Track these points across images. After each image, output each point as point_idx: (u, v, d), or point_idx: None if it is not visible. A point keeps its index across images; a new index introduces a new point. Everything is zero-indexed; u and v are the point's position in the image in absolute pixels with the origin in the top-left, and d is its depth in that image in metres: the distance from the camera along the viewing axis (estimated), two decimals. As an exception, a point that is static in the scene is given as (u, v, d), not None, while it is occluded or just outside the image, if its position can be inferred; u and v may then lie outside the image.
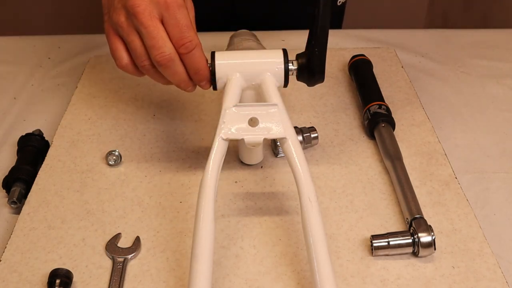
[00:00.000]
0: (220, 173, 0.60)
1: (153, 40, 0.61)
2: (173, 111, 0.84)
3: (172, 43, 0.62)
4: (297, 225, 0.66)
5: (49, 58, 1.00)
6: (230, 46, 0.76)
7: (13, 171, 0.74)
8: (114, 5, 0.63)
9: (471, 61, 0.98)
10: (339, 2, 1.08)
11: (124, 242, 0.65)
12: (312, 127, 0.77)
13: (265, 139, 0.62)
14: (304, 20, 1.02)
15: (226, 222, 0.67)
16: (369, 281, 0.60)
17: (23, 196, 0.71)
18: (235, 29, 0.80)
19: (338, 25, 1.15)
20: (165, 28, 0.61)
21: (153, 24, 0.60)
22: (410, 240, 0.62)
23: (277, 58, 0.66)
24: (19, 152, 0.78)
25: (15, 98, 0.91)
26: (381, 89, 0.84)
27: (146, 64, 0.63)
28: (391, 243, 0.62)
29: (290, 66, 0.66)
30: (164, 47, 0.61)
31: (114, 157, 0.75)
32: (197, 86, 0.67)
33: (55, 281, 0.59)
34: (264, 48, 0.75)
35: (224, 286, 0.60)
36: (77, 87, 0.90)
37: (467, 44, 1.03)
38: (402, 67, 0.94)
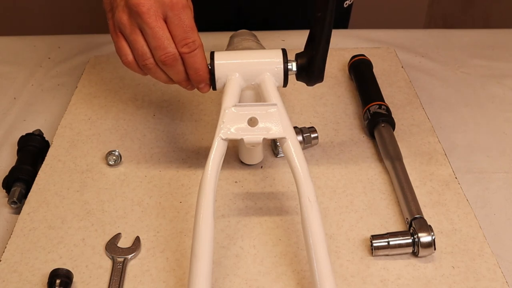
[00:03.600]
0: (220, 173, 0.60)
1: (159, 40, 0.61)
2: (173, 111, 0.84)
3: (175, 43, 0.62)
4: (297, 225, 0.66)
5: (49, 58, 1.00)
6: (230, 46, 0.76)
7: (13, 171, 0.74)
8: (116, 2, 0.63)
9: (471, 61, 0.98)
10: (346, 4, 1.08)
11: (124, 242, 0.65)
12: (312, 127, 0.77)
13: (264, 139, 0.62)
14: (304, 20, 1.03)
15: (226, 222, 0.67)
16: (369, 281, 0.60)
17: (23, 196, 0.71)
18: (235, 29, 0.80)
19: (344, 26, 1.15)
20: (168, 28, 0.62)
21: (158, 24, 0.61)
22: (410, 240, 0.62)
23: (277, 58, 0.66)
24: (19, 152, 0.78)
25: (15, 98, 0.91)
26: (381, 89, 0.84)
27: (148, 63, 0.63)
28: (391, 243, 0.62)
29: (290, 66, 0.66)
30: (169, 47, 0.62)
31: (114, 157, 0.75)
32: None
33: (55, 281, 0.59)
34: (264, 48, 0.75)
35: (224, 286, 0.60)
36: (77, 87, 0.90)
37: (467, 44, 1.03)
38: (402, 67, 0.94)
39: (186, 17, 0.61)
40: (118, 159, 0.75)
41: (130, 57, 0.64)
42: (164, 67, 0.64)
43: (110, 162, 0.75)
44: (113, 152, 0.75)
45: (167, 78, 0.66)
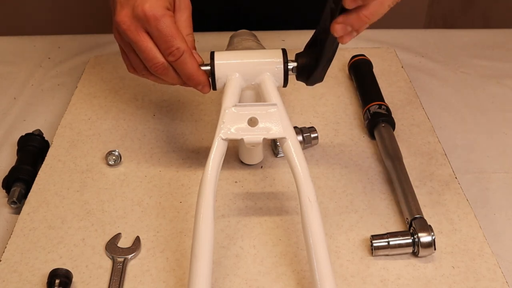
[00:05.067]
0: (220, 173, 0.60)
1: (144, 53, 0.63)
2: (173, 111, 0.84)
3: (161, 53, 0.63)
4: (297, 225, 0.66)
5: (49, 58, 1.00)
6: (230, 46, 0.76)
7: (13, 171, 0.74)
8: (113, 20, 0.65)
9: (471, 61, 0.98)
10: None
11: (124, 242, 0.65)
12: (312, 127, 0.77)
13: (265, 139, 0.62)
14: (304, 21, 1.02)
15: (226, 222, 0.67)
16: (369, 281, 0.60)
17: (23, 196, 0.71)
18: (235, 29, 0.80)
19: None
20: (152, 39, 0.63)
21: (140, 38, 0.62)
22: (410, 240, 0.62)
23: (277, 58, 0.66)
24: (19, 152, 0.78)
25: (15, 98, 0.91)
26: (381, 89, 0.84)
27: (145, 73, 0.66)
28: (391, 243, 0.62)
29: (290, 66, 0.66)
30: (156, 58, 0.63)
31: (114, 157, 0.75)
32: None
33: (55, 281, 0.59)
34: (264, 48, 0.75)
35: (224, 286, 0.60)
36: (77, 87, 0.90)
37: (467, 44, 1.03)
38: (402, 67, 0.94)
39: (164, 26, 0.62)
40: (118, 159, 0.75)
41: (131, 67, 0.67)
42: (157, 75, 0.65)
43: (110, 162, 0.74)
44: (113, 152, 0.75)
45: (169, 82, 0.67)
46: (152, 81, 0.68)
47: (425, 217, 0.64)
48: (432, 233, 0.62)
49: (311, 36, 0.65)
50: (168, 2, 0.63)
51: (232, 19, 1.05)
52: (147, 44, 0.62)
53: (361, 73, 0.88)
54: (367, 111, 0.79)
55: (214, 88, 0.66)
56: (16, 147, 0.79)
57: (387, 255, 0.63)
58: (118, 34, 0.64)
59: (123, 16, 0.62)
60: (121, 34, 0.63)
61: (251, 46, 0.74)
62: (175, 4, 0.65)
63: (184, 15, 0.66)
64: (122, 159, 0.75)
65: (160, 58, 0.63)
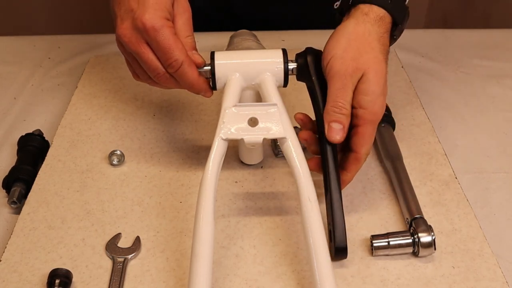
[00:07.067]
0: (220, 173, 0.60)
1: (146, 64, 0.64)
2: (173, 111, 0.84)
3: (161, 64, 0.64)
4: (297, 225, 0.66)
5: (49, 58, 1.00)
6: (230, 46, 0.76)
7: (13, 171, 0.74)
8: (115, 33, 0.66)
9: (471, 61, 0.98)
10: (336, 5, 1.08)
11: (124, 242, 0.65)
12: (312, 127, 0.77)
13: (265, 139, 0.62)
14: (304, 21, 1.02)
15: (226, 222, 0.67)
16: (369, 281, 0.60)
17: (23, 196, 0.71)
18: (235, 29, 0.80)
19: None
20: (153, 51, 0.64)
21: (141, 50, 0.63)
22: (410, 240, 0.62)
23: (277, 58, 0.66)
24: (19, 152, 0.78)
25: (15, 98, 0.91)
26: (381, 89, 0.84)
27: (150, 82, 0.67)
28: (391, 243, 0.62)
29: (290, 66, 0.66)
30: (158, 69, 0.64)
31: (117, 157, 0.75)
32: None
33: (55, 281, 0.59)
34: (264, 48, 0.75)
35: (224, 286, 0.60)
36: (77, 87, 0.90)
37: (467, 44, 1.03)
38: (402, 67, 0.94)
39: (162, 38, 0.62)
40: (122, 158, 0.75)
41: (135, 74, 0.69)
42: (161, 83, 0.66)
43: (114, 162, 0.74)
44: (115, 152, 0.75)
45: (174, 88, 0.68)
46: (158, 87, 0.68)
47: (425, 217, 0.64)
48: (432, 233, 0.62)
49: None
50: (167, 11, 0.63)
51: (232, 19, 1.05)
52: (148, 56, 0.63)
53: (361, 73, 0.88)
54: (367, 111, 0.79)
55: (215, 88, 0.66)
56: (16, 147, 0.79)
57: (387, 255, 0.63)
58: (121, 46, 0.65)
59: (124, 29, 0.63)
60: (124, 46, 0.64)
61: (251, 46, 0.74)
62: (174, 10, 0.65)
63: (183, 18, 0.66)
64: (125, 158, 0.75)
65: (161, 68, 0.64)
